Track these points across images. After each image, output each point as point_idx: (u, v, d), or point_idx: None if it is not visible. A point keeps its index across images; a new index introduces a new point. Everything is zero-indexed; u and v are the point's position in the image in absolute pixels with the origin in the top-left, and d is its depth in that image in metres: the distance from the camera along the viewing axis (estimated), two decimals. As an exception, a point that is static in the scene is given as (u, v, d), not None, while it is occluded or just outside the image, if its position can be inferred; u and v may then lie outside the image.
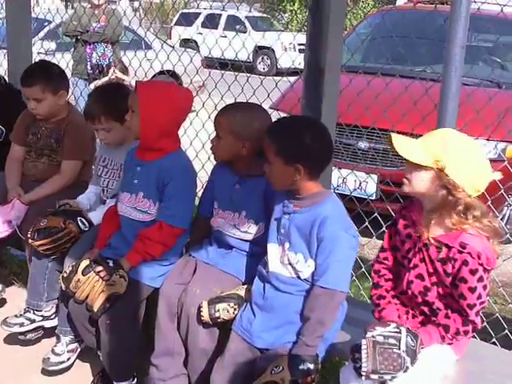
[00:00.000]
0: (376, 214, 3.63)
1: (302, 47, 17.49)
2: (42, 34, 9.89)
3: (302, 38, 16.21)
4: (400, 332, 2.20)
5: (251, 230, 2.85)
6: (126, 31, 7.85)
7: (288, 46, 16.26)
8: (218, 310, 2.67)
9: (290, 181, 2.50)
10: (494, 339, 2.91)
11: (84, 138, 3.75)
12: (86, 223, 3.30)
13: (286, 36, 16.56)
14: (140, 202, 3.01)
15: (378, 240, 3.24)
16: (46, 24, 9.83)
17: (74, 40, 7.50)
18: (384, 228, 3.16)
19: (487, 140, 4.68)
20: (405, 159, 2.29)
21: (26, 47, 4.70)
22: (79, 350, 3.31)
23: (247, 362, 2.57)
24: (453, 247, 2.26)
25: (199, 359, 2.79)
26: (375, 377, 2.18)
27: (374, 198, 5.04)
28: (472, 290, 2.25)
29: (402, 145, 2.31)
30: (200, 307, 2.69)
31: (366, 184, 5.11)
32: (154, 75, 8.48)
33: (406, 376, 2.18)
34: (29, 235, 3.25)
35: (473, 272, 2.23)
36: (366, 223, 3.60)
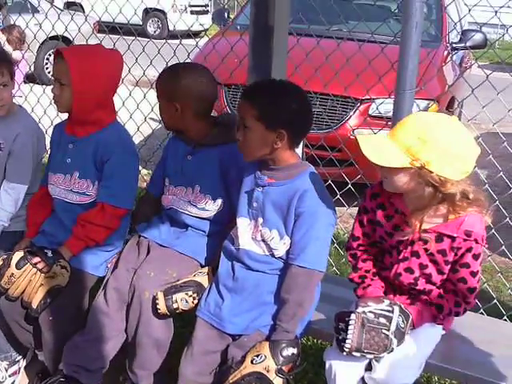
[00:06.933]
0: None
1: (194, 9, 17.15)
2: None
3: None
4: (392, 311, 2.07)
5: (209, 207, 2.61)
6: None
7: (180, 8, 15.79)
8: (176, 301, 2.45)
9: (269, 149, 2.29)
10: (481, 310, 2.87)
11: None
12: None
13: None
14: (76, 183, 2.72)
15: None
16: None
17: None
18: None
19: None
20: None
21: None
22: (23, 367, 2.94)
23: (218, 350, 2.37)
24: (457, 237, 2.10)
25: (150, 351, 2.52)
26: (357, 354, 2.06)
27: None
28: (474, 274, 2.15)
29: (370, 147, 2.03)
30: (155, 298, 2.45)
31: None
32: (45, 41, 7.90)
33: (398, 353, 2.07)
34: None
35: (476, 257, 2.12)
36: (338, 196, 3.46)
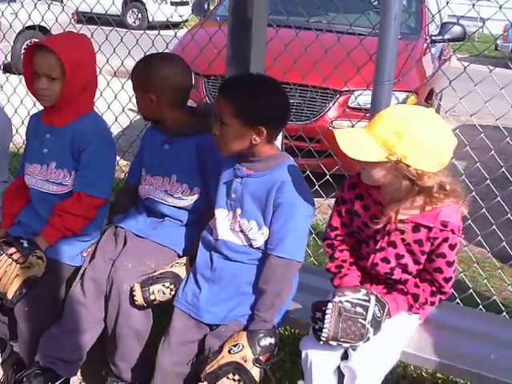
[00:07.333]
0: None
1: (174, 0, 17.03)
2: None
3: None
4: (369, 300, 2.08)
5: (186, 197, 2.61)
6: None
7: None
8: (153, 292, 2.44)
9: (248, 144, 2.28)
10: (457, 299, 2.91)
11: None
12: None
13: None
14: (52, 173, 2.70)
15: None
16: None
17: None
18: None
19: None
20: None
21: None
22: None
23: (196, 340, 2.37)
24: (434, 227, 2.11)
25: (131, 342, 2.52)
26: (334, 343, 2.08)
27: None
28: (450, 263, 2.16)
29: (347, 141, 2.03)
30: (132, 290, 2.44)
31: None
32: (21, 31, 7.80)
33: (374, 342, 2.08)
34: None
35: (452, 247, 2.14)
36: (316, 186, 3.47)
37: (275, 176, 2.29)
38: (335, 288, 2.24)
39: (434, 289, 2.20)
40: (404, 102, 4.91)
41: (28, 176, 2.75)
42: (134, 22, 16.77)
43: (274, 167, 2.31)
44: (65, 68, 2.53)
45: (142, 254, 2.55)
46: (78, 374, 2.71)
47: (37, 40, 8.76)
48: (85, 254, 2.68)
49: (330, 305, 2.06)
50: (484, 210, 3.14)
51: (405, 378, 2.83)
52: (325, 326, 2.05)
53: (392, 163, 1.99)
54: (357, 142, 2.03)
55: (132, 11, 17.24)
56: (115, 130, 3.75)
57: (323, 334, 2.06)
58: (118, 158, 2.82)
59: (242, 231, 2.36)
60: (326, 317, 2.05)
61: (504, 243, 3.11)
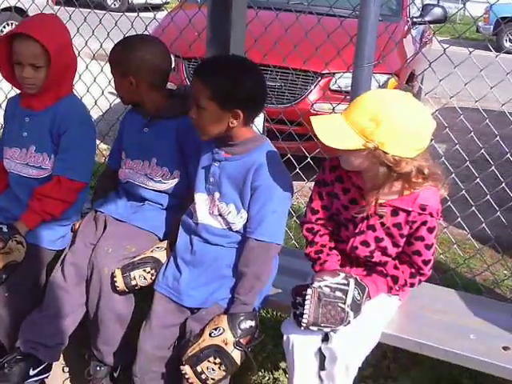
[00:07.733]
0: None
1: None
2: None
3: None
4: (348, 284, 2.08)
5: (166, 180, 2.60)
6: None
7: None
8: (134, 278, 2.44)
9: (225, 127, 2.26)
10: (437, 280, 2.93)
11: None
12: None
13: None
14: (32, 156, 2.68)
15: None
16: None
17: None
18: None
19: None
20: None
21: None
22: None
23: (177, 324, 2.37)
24: (412, 211, 2.12)
25: (113, 325, 2.52)
26: (314, 328, 2.08)
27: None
28: (428, 246, 2.17)
29: (324, 129, 2.02)
30: (113, 276, 2.43)
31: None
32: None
33: (355, 324, 2.09)
34: None
35: (431, 230, 2.15)
36: (297, 170, 3.47)
37: (252, 159, 2.28)
38: (316, 273, 2.25)
39: (413, 271, 2.22)
40: (385, 84, 4.91)
41: (7, 160, 2.73)
42: (114, 4, 16.50)
43: (252, 150, 2.30)
44: (50, 56, 2.50)
45: (123, 238, 2.54)
46: (61, 358, 2.71)
47: (13, 22, 8.65)
48: (71, 234, 2.68)
49: (309, 290, 2.06)
50: (464, 191, 3.16)
51: (385, 359, 2.85)
52: (305, 312, 2.05)
53: (369, 150, 1.99)
54: (333, 129, 2.01)
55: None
56: (95, 114, 3.73)
57: (303, 320, 2.06)
58: (97, 141, 2.79)
59: (220, 215, 2.35)
60: (306, 303, 2.05)
61: (484, 225, 3.13)
